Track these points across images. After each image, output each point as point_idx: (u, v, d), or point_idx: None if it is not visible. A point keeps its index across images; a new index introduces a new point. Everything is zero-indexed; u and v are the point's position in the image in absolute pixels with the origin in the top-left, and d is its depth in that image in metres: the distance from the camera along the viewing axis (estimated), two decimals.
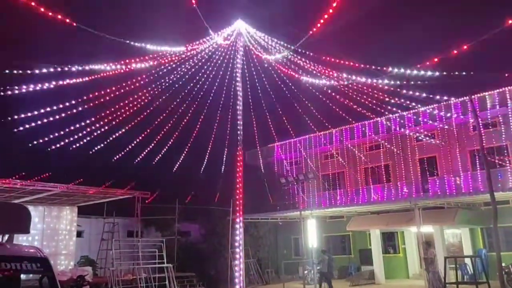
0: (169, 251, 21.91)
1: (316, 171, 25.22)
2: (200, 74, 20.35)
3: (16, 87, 13.52)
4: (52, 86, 14.72)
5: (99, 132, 17.99)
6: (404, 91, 17.42)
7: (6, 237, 5.21)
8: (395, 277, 23.53)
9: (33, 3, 11.16)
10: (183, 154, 21.30)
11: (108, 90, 17.09)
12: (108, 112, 17.87)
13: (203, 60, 19.96)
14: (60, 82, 14.90)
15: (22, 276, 5.00)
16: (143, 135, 19.85)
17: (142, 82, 18.19)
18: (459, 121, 22.44)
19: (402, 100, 18.49)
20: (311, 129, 23.12)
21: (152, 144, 19.99)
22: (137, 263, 20.01)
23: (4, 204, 7.77)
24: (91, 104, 16.88)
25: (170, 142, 20.60)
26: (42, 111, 15.50)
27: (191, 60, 19.49)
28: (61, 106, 15.97)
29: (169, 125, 20.37)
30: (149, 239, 24.11)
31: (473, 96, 19.60)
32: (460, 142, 22.22)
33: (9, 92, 13.36)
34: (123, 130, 19.01)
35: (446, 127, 22.88)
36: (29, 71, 13.30)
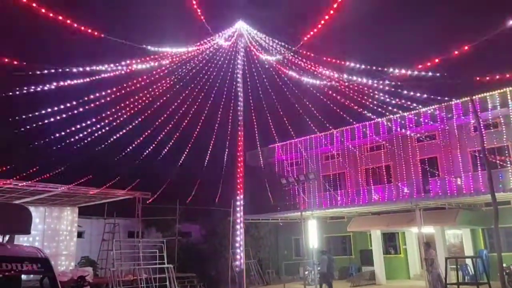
0: (170, 252, 21.91)
1: (316, 172, 25.21)
2: (201, 75, 20.35)
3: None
4: (53, 86, 14.74)
5: (99, 132, 18.01)
6: (405, 91, 17.43)
7: (7, 237, 5.21)
8: (396, 278, 23.50)
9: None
10: (184, 155, 21.33)
11: (109, 91, 17.12)
12: (109, 112, 17.90)
13: (204, 61, 19.98)
14: (64, 82, 14.93)
15: (23, 277, 5.00)
16: (144, 135, 19.88)
17: (143, 83, 18.20)
18: (460, 121, 22.41)
19: (403, 101, 18.49)
20: (311, 130, 23.13)
21: (153, 145, 20.01)
22: (138, 263, 20.00)
23: (5, 205, 7.77)
24: (92, 105, 16.90)
25: (171, 143, 20.62)
26: (43, 111, 15.53)
27: (191, 61, 19.49)
28: (62, 106, 16.00)
29: (170, 125, 20.38)
30: (149, 240, 24.12)
31: (474, 97, 19.58)
32: (461, 143, 22.19)
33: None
34: (124, 130, 19.04)
35: (447, 127, 22.86)
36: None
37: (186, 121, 20.88)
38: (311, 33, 16.60)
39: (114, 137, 18.63)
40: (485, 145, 14.11)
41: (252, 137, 22.83)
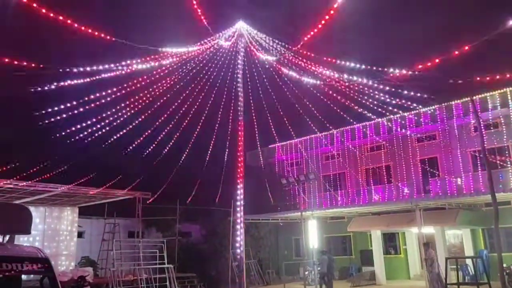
0: (170, 252, 21.91)
1: (317, 172, 25.20)
2: (201, 75, 20.35)
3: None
4: (53, 86, 14.75)
5: (100, 132, 18.02)
6: (405, 91, 17.43)
7: (7, 237, 5.21)
8: (396, 278, 23.50)
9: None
10: (184, 155, 21.33)
11: (109, 91, 17.12)
12: (109, 112, 17.90)
13: (204, 61, 19.97)
14: (65, 82, 14.94)
15: (23, 277, 4.99)
16: (144, 135, 19.89)
17: (143, 83, 18.20)
18: (460, 122, 22.40)
19: (403, 101, 18.49)
20: (312, 130, 23.12)
21: (153, 145, 20.01)
22: (138, 263, 20.01)
23: (5, 205, 7.77)
24: (92, 105, 16.90)
25: (171, 143, 20.63)
26: (44, 111, 15.55)
27: (192, 61, 19.49)
28: (62, 106, 16.01)
29: (170, 125, 20.39)
30: (150, 240, 24.12)
31: (474, 97, 19.57)
32: (461, 143, 22.18)
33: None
34: (124, 130, 19.04)
35: (447, 127, 22.85)
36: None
37: (186, 121, 20.89)
38: (311, 33, 16.60)
39: (115, 137, 18.64)
40: (485, 145, 14.11)
41: (252, 137, 22.83)
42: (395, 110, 19.77)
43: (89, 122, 17.57)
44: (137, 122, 19.29)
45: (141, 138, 19.70)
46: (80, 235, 25.01)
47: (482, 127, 16.37)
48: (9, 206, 6.96)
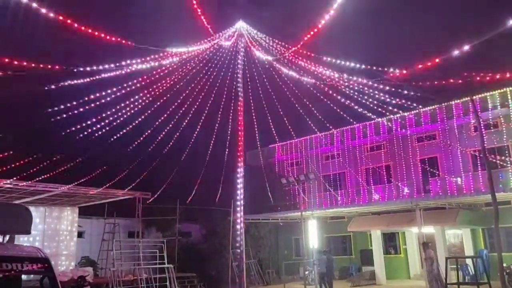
0: (170, 252, 21.90)
1: (317, 172, 25.20)
2: (201, 75, 20.35)
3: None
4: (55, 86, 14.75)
5: (100, 132, 18.03)
6: (405, 91, 17.42)
7: (7, 237, 5.21)
8: (396, 278, 23.50)
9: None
10: (184, 154, 21.34)
11: (109, 91, 17.12)
12: (109, 112, 17.90)
13: (204, 61, 19.97)
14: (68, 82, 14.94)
15: (23, 277, 4.99)
16: (144, 135, 19.89)
17: (143, 83, 18.20)
18: (460, 121, 22.40)
19: (403, 101, 18.49)
20: (312, 130, 23.12)
21: (154, 144, 20.02)
22: (138, 263, 20.00)
23: (5, 205, 7.77)
24: (92, 105, 16.91)
25: (171, 142, 20.63)
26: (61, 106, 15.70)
27: (192, 61, 19.48)
28: (62, 106, 16.03)
29: (170, 125, 20.39)
30: (149, 240, 24.12)
31: (474, 97, 19.56)
32: (461, 143, 22.18)
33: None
34: (124, 130, 19.04)
35: (447, 127, 22.85)
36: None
37: (186, 120, 20.90)
38: (311, 32, 16.59)
39: (115, 136, 18.64)
40: (485, 145, 14.11)
41: (252, 137, 22.83)
42: (395, 110, 19.77)
43: (89, 122, 17.59)
44: (136, 122, 19.30)
45: (141, 138, 19.70)
46: (80, 235, 25.01)
47: (482, 127, 16.36)
48: (9, 206, 6.97)
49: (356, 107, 20.01)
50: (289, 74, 20.09)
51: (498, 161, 20.10)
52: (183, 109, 20.31)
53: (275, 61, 20.15)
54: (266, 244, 27.90)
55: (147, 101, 18.99)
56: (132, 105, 18.45)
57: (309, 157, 28.28)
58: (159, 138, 20.09)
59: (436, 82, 15.67)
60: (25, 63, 12.35)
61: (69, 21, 12.78)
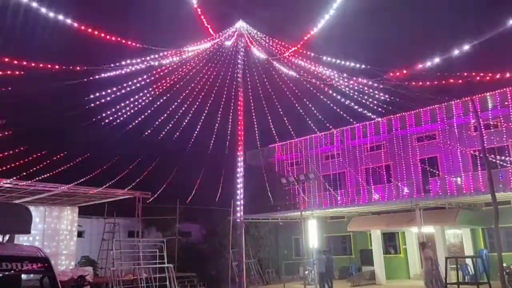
0: (170, 251, 21.90)
1: (316, 172, 25.20)
2: (201, 74, 20.35)
3: None
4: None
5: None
6: (405, 91, 17.42)
7: (7, 237, 5.21)
8: (396, 278, 23.50)
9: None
10: (184, 154, 21.35)
11: (109, 91, 17.14)
12: (108, 112, 17.92)
13: (204, 61, 19.96)
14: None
15: (23, 276, 5.00)
16: (144, 134, 19.89)
17: (143, 83, 18.21)
18: (460, 121, 22.40)
19: (404, 101, 18.49)
20: (312, 130, 23.13)
21: (154, 144, 20.03)
22: (138, 263, 20.00)
23: (5, 204, 7.77)
24: (92, 104, 16.92)
25: (171, 142, 20.64)
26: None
27: (192, 61, 19.48)
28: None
29: (170, 125, 20.40)
30: (149, 239, 24.11)
31: (474, 97, 19.56)
32: (461, 143, 22.18)
33: None
34: (124, 130, 19.05)
35: (447, 127, 22.85)
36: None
37: (186, 120, 20.90)
38: (311, 32, 16.59)
39: (115, 136, 18.65)
40: (485, 145, 14.11)
41: (252, 137, 22.84)
42: (395, 110, 19.78)
43: (88, 122, 17.64)
44: (136, 121, 19.30)
45: (142, 138, 19.72)
46: (80, 234, 25.00)
47: (482, 127, 16.36)
48: (9, 206, 6.97)
49: (356, 106, 20.03)
50: (288, 73, 20.09)
51: (498, 161, 20.10)
52: (183, 108, 20.32)
53: (275, 60, 20.15)
54: (266, 244, 27.89)
55: (147, 100, 19.00)
56: (132, 105, 18.47)
57: (309, 157, 28.27)
58: (160, 137, 20.11)
59: (436, 82, 15.68)
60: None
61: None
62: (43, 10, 12.09)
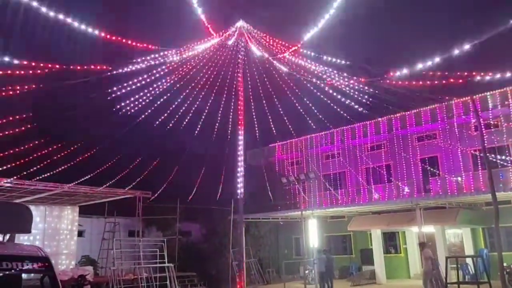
0: (170, 251, 21.91)
1: (317, 171, 25.19)
2: (201, 74, 20.36)
3: None
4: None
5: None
6: (405, 91, 17.42)
7: (8, 236, 5.22)
8: (396, 277, 23.50)
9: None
10: (185, 153, 21.36)
11: (109, 90, 17.16)
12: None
13: (204, 60, 19.97)
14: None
15: (23, 276, 5.00)
16: (144, 134, 19.91)
17: (143, 82, 18.24)
18: (460, 121, 22.39)
19: (403, 101, 18.49)
20: (312, 129, 23.14)
21: (153, 144, 20.04)
22: (138, 262, 20.00)
23: (5, 204, 7.79)
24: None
25: (171, 142, 20.66)
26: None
27: (192, 60, 19.49)
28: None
29: (170, 124, 20.41)
30: (150, 239, 24.12)
31: (474, 96, 19.53)
32: (462, 142, 22.17)
33: None
34: (124, 130, 19.07)
35: (448, 127, 22.83)
36: None
37: (186, 120, 20.91)
38: (311, 32, 16.59)
39: (115, 136, 18.67)
40: (485, 144, 14.10)
41: (252, 136, 22.85)
42: (396, 109, 19.78)
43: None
44: (137, 121, 19.32)
45: (142, 138, 19.73)
46: (80, 234, 25.02)
47: (483, 126, 16.35)
48: (9, 205, 6.98)
49: (356, 106, 20.02)
50: (289, 73, 20.09)
51: (498, 161, 20.09)
52: (184, 107, 20.33)
53: (275, 59, 20.15)
54: (266, 243, 27.90)
55: (147, 100, 19.02)
56: (132, 104, 18.52)
57: (309, 156, 28.26)
58: (160, 136, 20.13)
59: (436, 82, 15.68)
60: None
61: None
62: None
